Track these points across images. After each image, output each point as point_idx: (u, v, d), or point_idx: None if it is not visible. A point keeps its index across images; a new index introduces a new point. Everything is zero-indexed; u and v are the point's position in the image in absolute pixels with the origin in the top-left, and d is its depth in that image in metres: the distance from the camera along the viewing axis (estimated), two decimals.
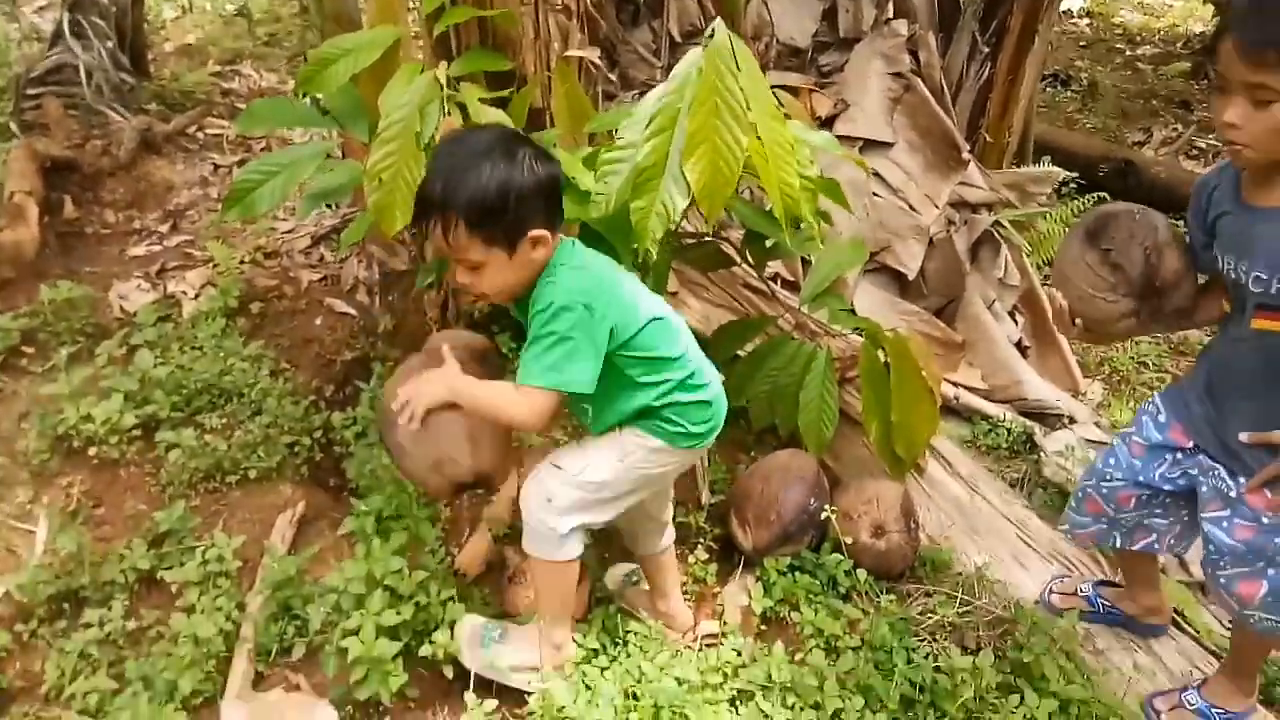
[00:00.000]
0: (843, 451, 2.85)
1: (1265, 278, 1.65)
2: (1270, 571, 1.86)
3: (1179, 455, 2.00)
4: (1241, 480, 1.85)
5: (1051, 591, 2.43)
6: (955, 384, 3.35)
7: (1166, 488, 2.03)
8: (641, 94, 3.94)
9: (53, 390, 2.69)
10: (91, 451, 2.60)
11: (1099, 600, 2.38)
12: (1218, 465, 1.91)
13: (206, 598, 2.19)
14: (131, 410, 2.65)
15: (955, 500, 2.73)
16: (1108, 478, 2.11)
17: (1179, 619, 2.52)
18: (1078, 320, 1.93)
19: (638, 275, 2.23)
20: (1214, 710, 2.13)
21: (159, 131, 4.29)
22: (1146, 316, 1.82)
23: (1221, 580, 1.94)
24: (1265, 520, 1.83)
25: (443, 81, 2.04)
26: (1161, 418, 2.03)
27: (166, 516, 2.36)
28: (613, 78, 3.88)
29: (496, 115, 2.03)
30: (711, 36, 1.85)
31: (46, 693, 2.09)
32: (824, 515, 2.47)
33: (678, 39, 4.04)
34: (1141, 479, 2.05)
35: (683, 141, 1.83)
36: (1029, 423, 3.22)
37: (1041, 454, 3.03)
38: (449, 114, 2.16)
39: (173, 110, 4.70)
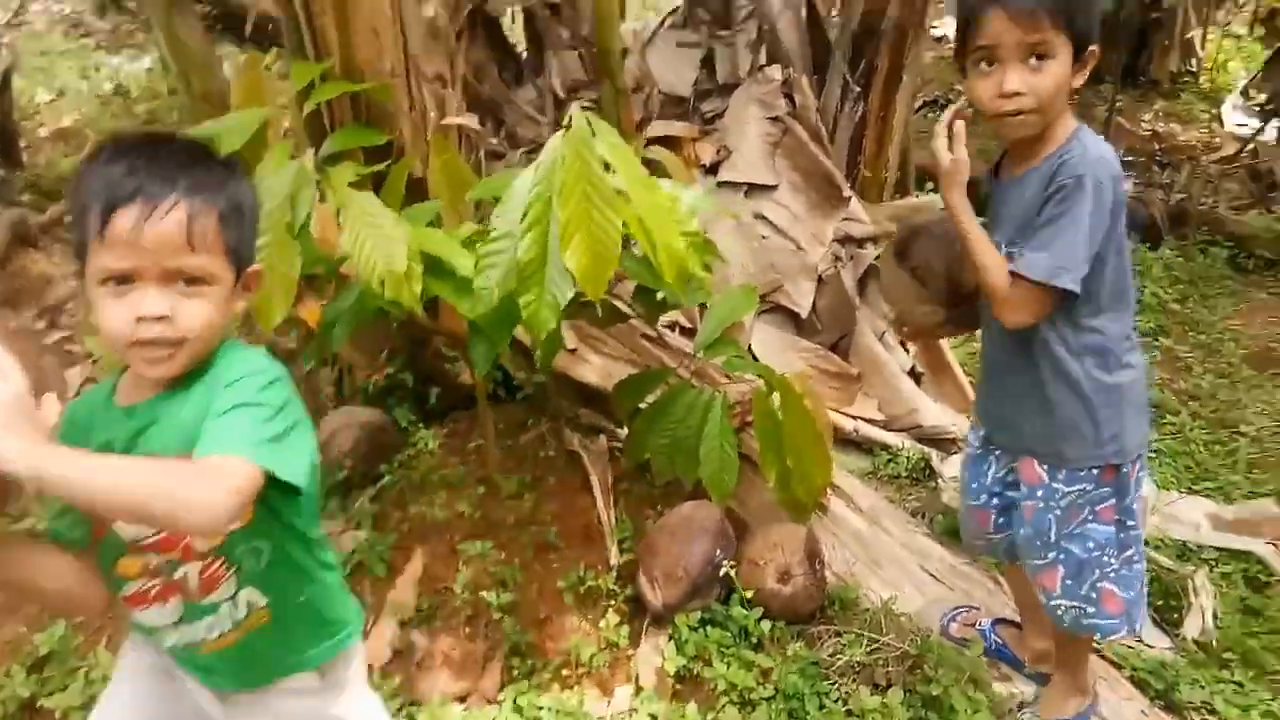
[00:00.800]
0: (749, 497, 2.88)
1: (1002, 245, 1.74)
2: (1061, 557, 1.91)
3: (995, 453, 2.04)
4: (1019, 461, 1.92)
5: (951, 620, 2.49)
6: (854, 416, 3.43)
7: (1010, 494, 2.04)
8: (529, 152, 3.99)
9: None
10: None
11: (993, 638, 2.42)
12: (1006, 452, 1.98)
13: None
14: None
15: (858, 535, 2.79)
16: (968, 498, 2.15)
17: None
18: (904, 328, 2.01)
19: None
20: None
21: (34, 223, 4.15)
22: (959, 320, 1.89)
23: (1032, 574, 2.01)
24: (1039, 494, 1.88)
25: (310, 168, 2.02)
26: (976, 420, 2.10)
27: (47, 638, 2.26)
28: (499, 139, 3.90)
29: (367, 199, 2.01)
30: (569, 124, 1.87)
31: None
32: (739, 562, 2.50)
33: (562, 95, 4.10)
34: (985, 491, 2.08)
35: (558, 230, 1.85)
36: (926, 449, 3.31)
37: (939, 480, 3.12)
38: (323, 198, 2.14)
39: (49, 199, 4.55)
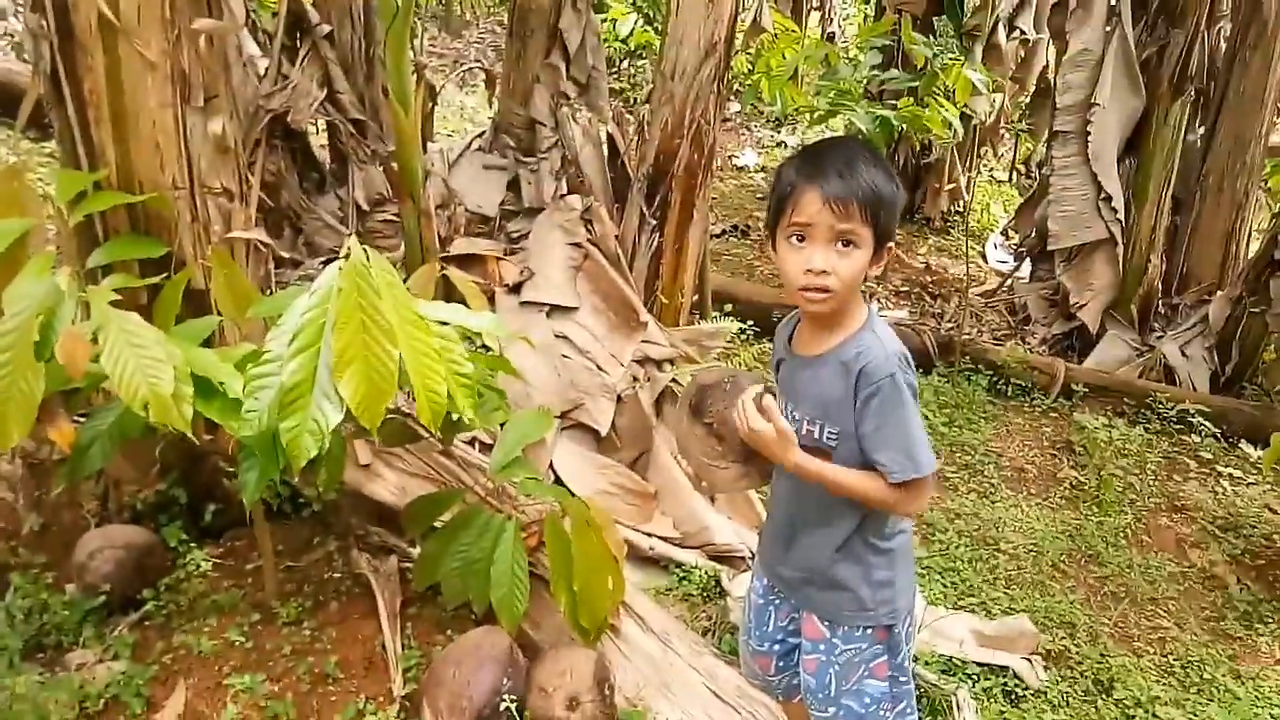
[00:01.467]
0: (541, 619, 2.86)
1: (800, 419, 1.85)
2: (841, 713, 1.98)
3: (776, 602, 2.10)
4: (800, 613, 2.02)
5: None
6: (650, 534, 3.49)
7: (792, 640, 2.09)
8: (327, 261, 3.94)
9: None
10: None
11: None
12: (787, 603, 2.07)
13: None
14: None
15: (650, 657, 2.81)
16: (752, 642, 2.18)
17: None
18: (703, 482, 2.08)
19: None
20: None
21: None
22: (757, 474, 1.94)
23: None
24: (821, 648, 1.97)
25: (64, 286, 1.91)
26: (760, 569, 2.16)
27: None
28: (297, 247, 3.84)
29: (129, 319, 1.92)
30: (348, 255, 1.88)
31: None
32: (528, 689, 2.45)
33: (364, 207, 4.10)
34: (769, 639, 2.13)
35: (331, 358, 1.82)
36: (718, 566, 3.40)
37: (729, 598, 3.20)
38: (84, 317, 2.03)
39: None
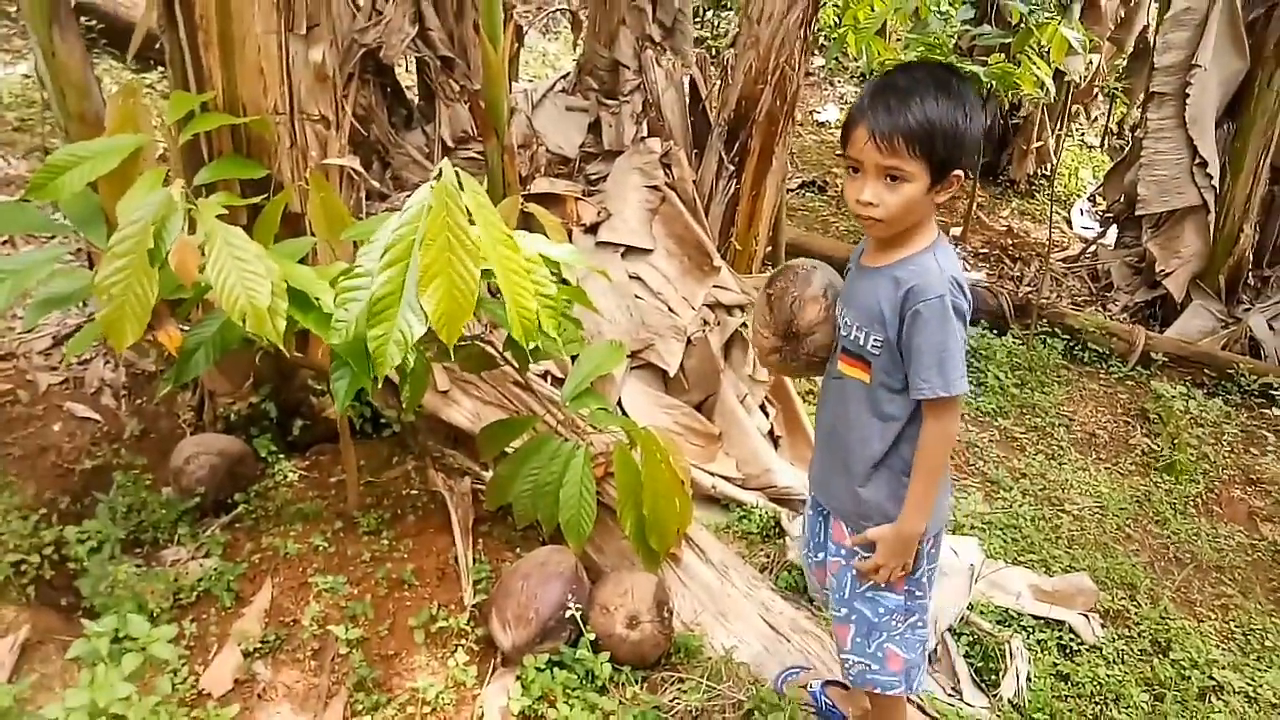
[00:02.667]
0: (605, 544, 2.96)
1: (850, 324, 1.95)
2: (854, 617, 2.10)
3: (825, 513, 2.20)
4: (833, 518, 2.13)
5: (784, 681, 2.60)
6: (712, 473, 3.57)
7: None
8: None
9: None
10: None
11: (823, 699, 2.52)
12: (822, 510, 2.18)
13: None
14: None
15: (708, 587, 2.90)
16: (807, 554, 2.32)
17: None
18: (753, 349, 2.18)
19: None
20: None
21: None
22: (788, 355, 2.07)
23: (833, 627, 2.20)
24: (842, 552, 2.09)
25: (178, 197, 2.04)
26: (809, 482, 2.28)
27: None
28: (384, 181, 3.95)
29: (234, 233, 2.04)
30: (439, 175, 1.96)
31: None
32: (590, 607, 2.56)
33: (450, 144, 4.18)
34: (821, 549, 2.23)
35: (418, 273, 1.92)
36: (778, 508, 3.47)
37: (787, 538, 3.27)
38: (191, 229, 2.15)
39: None
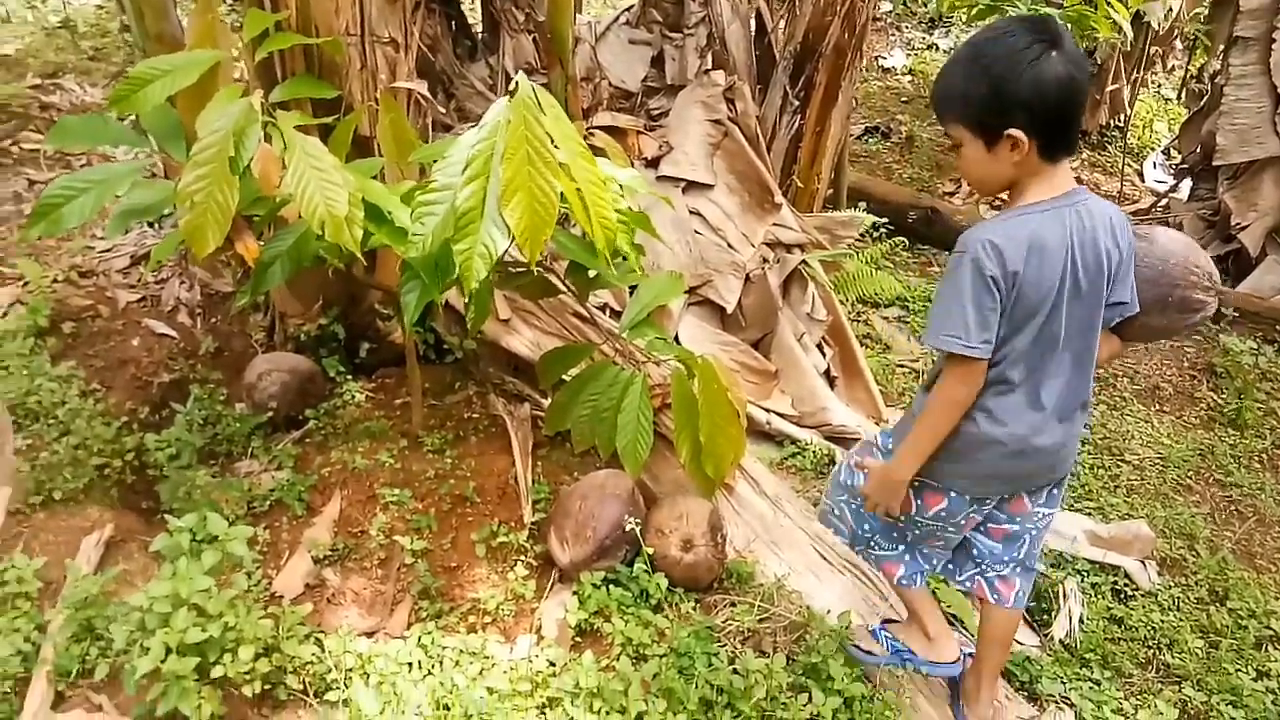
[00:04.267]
0: (661, 473, 3.01)
1: None
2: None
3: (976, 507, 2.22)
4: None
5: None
6: (767, 410, 3.58)
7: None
8: (478, 126, 4.07)
9: None
10: None
11: (884, 635, 2.46)
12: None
13: (4, 619, 2.13)
14: None
15: (761, 517, 2.94)
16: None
17: (956, 622, 2.79)
18: None
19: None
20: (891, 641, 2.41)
21: None
22: None
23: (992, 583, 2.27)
24: (1018, 519, 2.16)
25: (257, 107, 2.08)
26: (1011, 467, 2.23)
27: None
28: (448, 110, 3.97)
29: (313, 143, 2.08)
30: (515, 89, 1.97)
31: None
32: (646, 529, 2.61)
33: (513, 75, 4.18)
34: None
35: (498, 187, 1.94)
36: (832, 446, 3.48)
37: None
38: (269, 139, 2.20)
39: None
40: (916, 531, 2.19)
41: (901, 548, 2.26)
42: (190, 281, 3.38)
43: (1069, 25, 5.16)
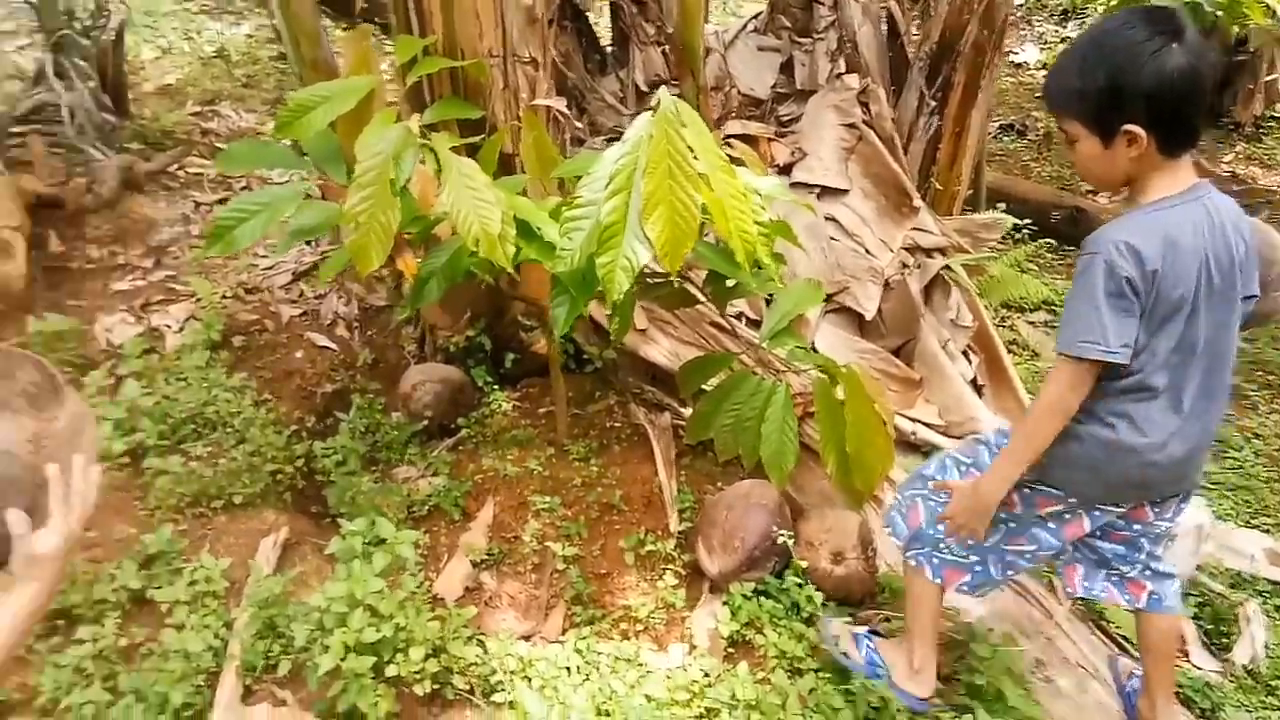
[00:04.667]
0: (805, 483, 2.98)
1: None
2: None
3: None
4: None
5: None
6: (913, 419, 3.50)
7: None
8: (610, 140, 4.14)
9: None
10: None
11: (867, 646, 2.34)
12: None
13: (195, 616, 2.28)
14: (120, 438, 2.74)
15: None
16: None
17: (1128, 646, 2.66)
18: None
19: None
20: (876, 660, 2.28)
21: (140, 170, 4.39)
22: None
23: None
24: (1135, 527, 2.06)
25: (415, 130, 2.17)
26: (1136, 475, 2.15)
27: (155, 539, 2.45)
28: (581, 124, 4.05)
29: (466, 164, 2.16)
30: (658, 104, 2.00)
31: (41, 705, 2.15)
32: (781, 540, 2.60)
33: (643, 89, 4.24)
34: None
35: (640, 201, 1.97)
36: None
37: None
38: (424, 161, 2.29)
39: (153, 149, 4.81)
40: (1012, 525, 2.05)
41: (975, 556, 2.11)
42: (348, 296, 3.56)
43: (1219, 11, 4.87)
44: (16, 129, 4.37)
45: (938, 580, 2.13)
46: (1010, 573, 2.12)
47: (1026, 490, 1.98)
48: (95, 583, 2.36)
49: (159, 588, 2.36)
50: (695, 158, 2.00)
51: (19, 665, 2.21)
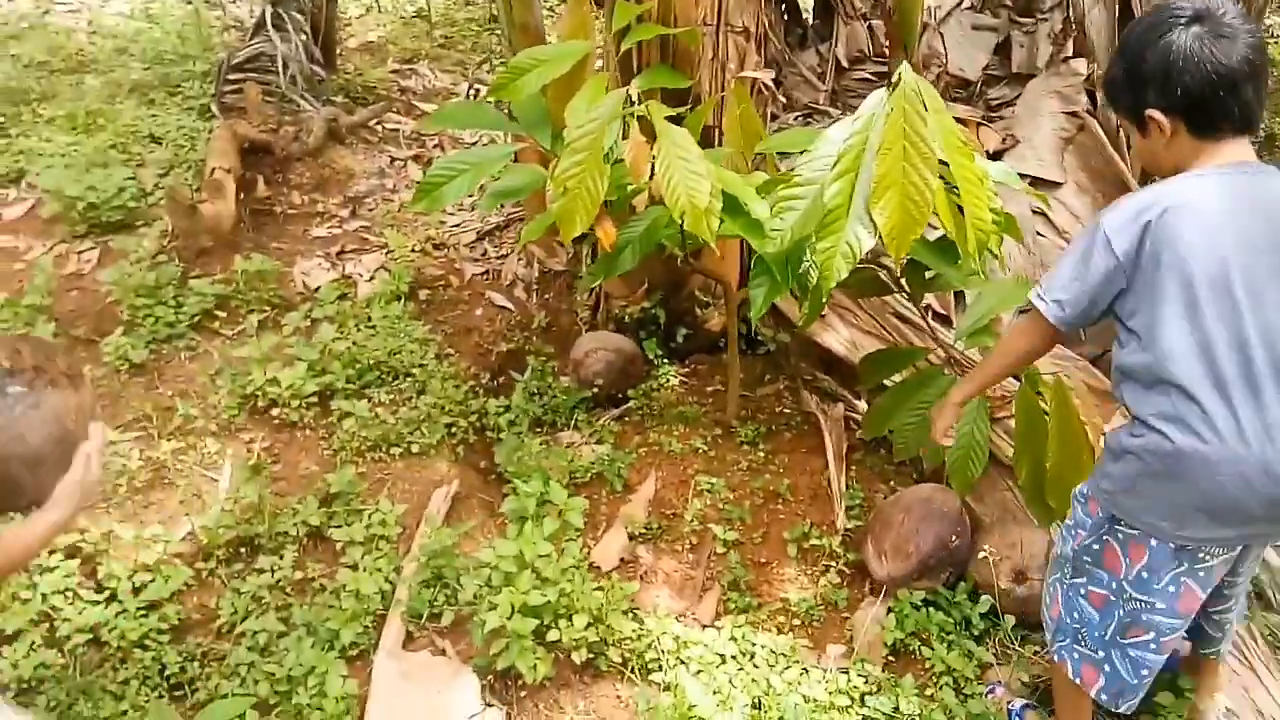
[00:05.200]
0: (986, 493, 2.80)
1: None
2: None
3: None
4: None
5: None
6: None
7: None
8: (804, 116, 4.00)
9: (243, 353, 2.93)
10: (274, 412, 2.83)
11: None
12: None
13: (369, 558, 2.36)
14: (312, 379, 2.87)
15: None
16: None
17: None
18: None
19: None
20: None
21: (344, 123, 4.59)
22: None
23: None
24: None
25: (634, 96, 2.13)
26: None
27: (337, 479, 2.55)
28: (779, 98, 3.93)
29: (681, 134, 2.10)
30: (898, 80, 1.87)
31: (219, 627, 2.28)
32: (971, 553, 2.45)
33: (844, 64, 4.07)
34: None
35: (868, 184, 1.85)
36: None
37: None
38: (629, 130, 2.24)
39: (355, 103, 5.02)
40: (1121, 612, 1.80)
41: (1103, 652, 1.86)
42: (528, 259, 3.59)
43: None
44: (234, 76, 4.64)
45: (1077, 680, 1.92)
46: (1145, 674, 1.84)
47: (1118, 539, 1.76)
48: (278, 516, 2.48)
49: (338, 526, 2.45)
50: (933, 140, 1.88)
51: (202, 587, 2.35)
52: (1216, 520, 1.63)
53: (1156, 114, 1.63)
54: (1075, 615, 1.90)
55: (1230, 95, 1.59)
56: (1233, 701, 2.33)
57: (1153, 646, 1.81)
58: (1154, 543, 1.71)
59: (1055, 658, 1.97)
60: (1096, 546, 1.83)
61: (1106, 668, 1.87)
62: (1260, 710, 2.32)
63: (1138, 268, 1.58)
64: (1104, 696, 1.89)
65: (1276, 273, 1.55)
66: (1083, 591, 1.88)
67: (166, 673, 2.14)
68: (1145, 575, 1.74)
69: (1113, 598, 1.82)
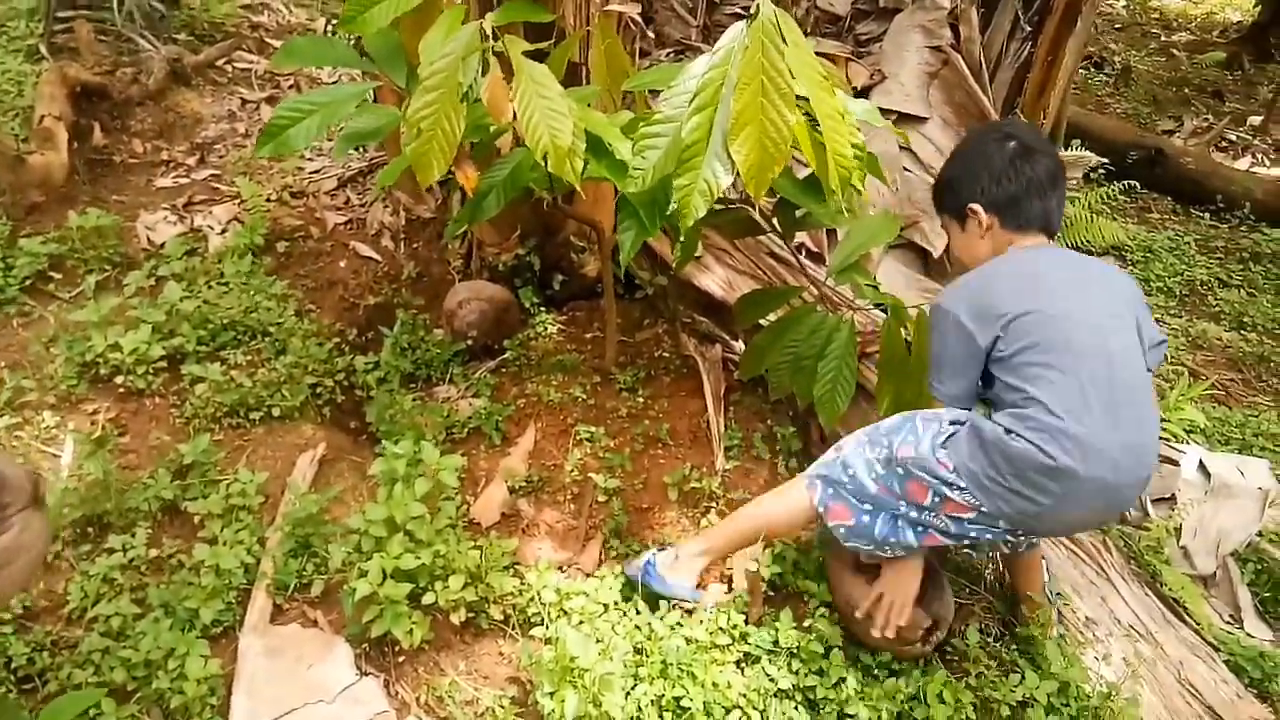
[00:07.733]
0: (854, 426, 2.86)
1: None
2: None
3: None
4: None
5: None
6: None
7: None
8: (676, 53, 3.92)
9: (81, 317, 2.71)
10: (118, 380, 2.63)
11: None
12: None
13: (228, 530, 2.24)
14: (158, 342, 2.68)
15: None
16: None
17: (1181, 609, 2.57)
18: None
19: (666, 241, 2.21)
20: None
21: (188, 63, 4.26)
22: None
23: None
24: None
25: (489, 31, 2.02)
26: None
27: (191, 449, 2.40)
28: (649, 34, 3.83)
29: (540, 71, 2.00)
30: (756, 12, 1.82)
31: (69, 613, 2.13)
32: None
33: (714, 0, 3.99)
34: None
35: (726, 120, 1.80)
36: None
37: None
38: (488, 66, 2.14)
39: (201, 41, 4.67)
40: (901, 522, 1.99)
41: (870, 506, 2.02)
42: (394, 206, 3.44)
43: None
44: (63, 14, 4.24)
45: (820, 509, 2.07)
46: (894, 542, 2.00)
47: (952, 496, 1.93)
48: (127, 491, 2.32)
49: (193, 499, 2.32)
50: (793, 76, 1.83)
51: (48, 572, 2.19)
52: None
53: (978, 208, 2.01)
54: (857, 483, 2.02)
55: (1039, 198, 1.97)
56: (1091, 610, 2.48)
57: (917, 534, 1.99)
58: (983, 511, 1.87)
59: (805, 484, 2.11)
60: (920, 482, 1.94)
61: (865, 518, 2.02)
62: (1118, 619, 2.47)
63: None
64: (841, 530, 2.05)
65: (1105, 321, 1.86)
66: (875, 476, 2.01)
67: (13, 665, 1.99)
68: (948, 518, 1.93)
69: (901, 510, 1.98)
